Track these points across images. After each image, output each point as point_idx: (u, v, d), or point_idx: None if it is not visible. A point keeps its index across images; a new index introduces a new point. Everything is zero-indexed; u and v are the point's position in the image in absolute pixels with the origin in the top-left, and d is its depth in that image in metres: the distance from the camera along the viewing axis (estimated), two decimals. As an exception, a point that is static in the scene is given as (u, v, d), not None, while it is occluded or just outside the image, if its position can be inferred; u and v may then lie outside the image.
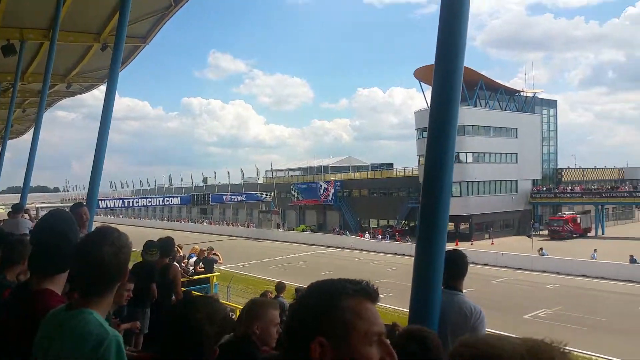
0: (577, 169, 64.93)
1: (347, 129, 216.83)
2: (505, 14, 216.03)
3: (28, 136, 20.62)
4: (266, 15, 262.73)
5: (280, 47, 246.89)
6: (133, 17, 8.64)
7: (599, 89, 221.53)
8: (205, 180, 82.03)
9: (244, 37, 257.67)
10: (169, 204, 71.02)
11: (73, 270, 1.98)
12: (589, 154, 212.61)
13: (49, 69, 10.03)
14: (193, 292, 9.79)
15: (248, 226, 67.02)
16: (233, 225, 69.95)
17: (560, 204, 55.63)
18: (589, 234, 49.69)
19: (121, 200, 64.12)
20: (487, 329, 3.41)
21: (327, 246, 48.52)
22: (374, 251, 44.54)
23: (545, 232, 50.30)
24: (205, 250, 14.14)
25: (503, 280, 30.83)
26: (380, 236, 50.24)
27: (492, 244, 45.30)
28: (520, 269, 33.97)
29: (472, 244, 44.18)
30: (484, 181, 51.62)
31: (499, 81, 56.29)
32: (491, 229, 51.10)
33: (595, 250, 34.63)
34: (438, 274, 3.11)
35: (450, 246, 3.73)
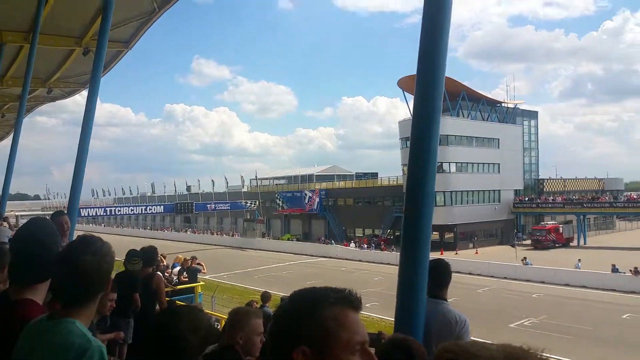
0: (558, 179, 65.85)
1: (332, 138, 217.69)
2: (487, 25, 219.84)
3: (7, 142, 20.27)
4: (251, 22, 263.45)
5: (265, 54, 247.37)
6: (116, 21, 8.59)
7: (578, 101, 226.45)
8: (188, 188, 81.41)
9: (229, 44, 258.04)
10: (152, 213, 70.39)
11: (55, 279, 1.95)
12: (570, 164, 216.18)
13: (29, 73, 9.88)
14: (177, 302, 9.68)
15: (233, 235, 66.57)
16: (217, 234, 69.38)
17: (543, 214, 56.41)
18: (571, 244, 50.28)
19: (103, 209, 63.22)
20: (472, 338, 3.42)
21: (312, 255, 48.36)
22: (360, 260, 44.48)
23: (528, 242, 50.79)
24: (189, 259, 14.00)
25: (488, 290, 30.99)
26: (365, 245, 50.23)
27: (477, 253, 45.64)
28: (504, 278, 34.16)
29: (456, 253, 44.49)
30: (467, 191, 52.10)
31: (481, 92, 57.10)
32: (475, 238, 51.47)
33: (579, 260, 34.99)
34: (422, 283, 3.12)
35: (435, 255, 3.75)
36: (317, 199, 61.85)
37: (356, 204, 60.48)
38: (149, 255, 6.60)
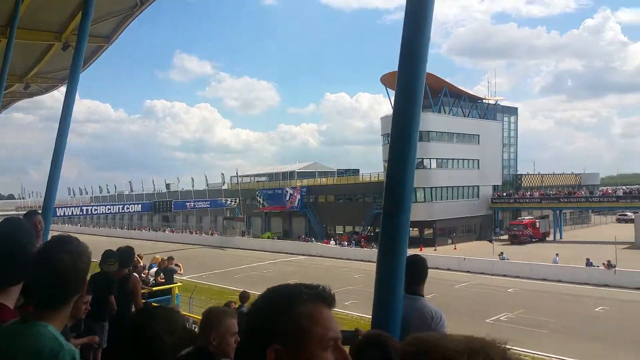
0: (536, 174, 67.05)
1: (314, 134, 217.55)
2: (470, 22, 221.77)
3: (-19, 139, 19.74)
4: (234, 18, 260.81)
5: (248, 50, 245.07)
6: (97, 16, 8.42)
7: (558, 97, 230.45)
8: (168, 186, 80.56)
9: (211, 39, 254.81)
10: (130, 212, 69.43)
11: (29, 280, 1.91)
12: (550, 159, 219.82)
13: (5, 68, 9.64)
14: (153, 303, 9.58)
15: (212, 234, 66.04)
16: (196, 233, 68.73)
17: (520, 209, 57.32)
18: (547, 238, 51.23)
19: (79, 208, 62.01)
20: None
21: (293, 254, 48.32)
22: (340, 258, 44.59)
23: (505, 237, 51.56)
24: (165, 259, 13.79)
25: (465, 285, 31.39)
26: (346, 243, 50.43)
27: (455, 249, 46.17)
28: (482, 273, 34.58)
29: (435, 249, 44.98)
30: (447, 187, 52.60)
31: (462, 88, 57.81)
32: (454, 234, 51.99)
33: (557, 254, 35.55)
34: (399, 280, 3.14)
35: (414, 252, 3.79)
36: (298, 196, 61.77)
37: (337, 200, 60.64)
38: (125, 255, 6.52)
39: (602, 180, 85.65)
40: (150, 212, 69.26)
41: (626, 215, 60.32)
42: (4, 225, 2.24)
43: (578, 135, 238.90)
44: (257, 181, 74.77)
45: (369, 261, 37.65)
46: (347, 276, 33.90)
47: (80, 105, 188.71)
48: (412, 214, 3.34)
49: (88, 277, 1.92)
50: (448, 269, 35.18)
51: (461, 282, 31.89)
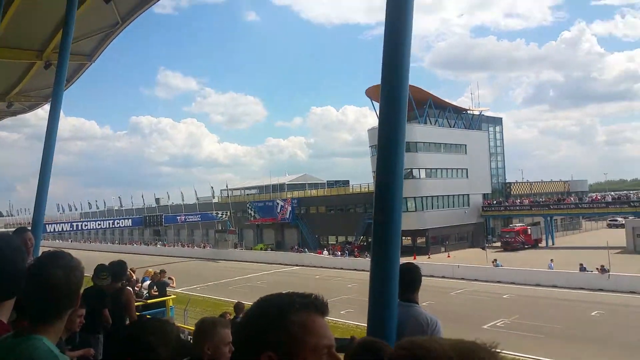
0: (524, 182, 67.49)
1: (302, 147, 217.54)
2: (451, 36, 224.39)
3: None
4: (217, 34, 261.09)
5: (232, 66, 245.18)
6: (78, 34, 8.42)
7: (540, 107, 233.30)
8: (157, 201, 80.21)
9: (195, 56, 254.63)
10: (120, 227, 68.88)
11: (23, 294, 1.90)
12: (535, 167, 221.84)
13: (-13, 87, 9.64)
14: (147, 316, 9.49)
15: (204, 247, 65.76)
16: (188, 247, 68.46)
17: (511, 216, 57.56)
18: (540, 245, 51.42)
19: (69, 224, 61.50)
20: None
21: (286, 264, 48.21)
22: (334, 268, 44.55)
23: (498, 244, 51.70)
24: (158, 272, 13.75)
25: (461, 292, 31.38)
26: (339, 253, 50.36)
27: (449, 256, 46.22)
28: (476, 280, 34.63)
29: (429, 257, 45.04)
30: (437, 196, 52.77)
31: (447, 100, 58.33)
32: (447, 242, 52.18)
33: (552, 260, 35.61)
34: (393, 288, 3.16)
35: (408, 260, 3.81)
36: (289, 208, 61.73)
37: (328, 211, 60.61)
38: (117, 269, 6.49)
39: (590, 187, 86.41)
40: (141, 227, 68.75)
41: (617, 220, 60.84)
42: None
43: (562, 144, 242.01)
44: (248, 194, 74.65)
45: (363, 270, 37.63)
46: (341, 286, 33.88)
47: (66, 124, 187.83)
48: (403, 223, 3.38)
49: (81, 291, 1.91)
50: (442, 277, 35.19)
51: (456, 290, 31.90)
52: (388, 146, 3.27)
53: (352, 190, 61.43)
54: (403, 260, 3.34)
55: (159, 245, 72.76)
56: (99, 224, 62.82)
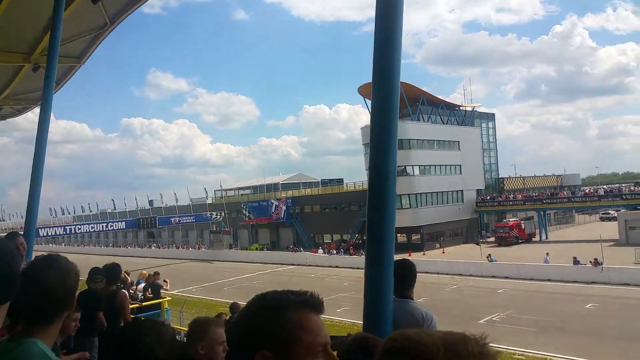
0: (517, 177, 67.89)
1: (296, 146, 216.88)
2: (442, 32, 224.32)
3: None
4: (207, 34, 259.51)
5: (223, 65, 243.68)
6: (66, 36, 8.36)
7: (533, 102, 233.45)
8: (151, 202, 79.86)
9: (185, 56, 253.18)
10: (114, 229, 68.65)
11: (17, 298, 1.89)
12: (528, 162, 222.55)
13: (-25, 91, 9.56)
14: (142, 318, 9.47)
15: (199, 248, 65.63)
16: (183, 248, 68.28)
17: (505, 212, 57.86)
18: (533, 239, 51.68)
19: (62, 228, 61.12)
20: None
21: (282, 264, 48.25)
22: (330, 266, 44.63)
23: (492, 239, 51.92)
24: (152, 275, 13.69)
25: (456, 288, 31.56)
26: (334, 251, 50.43)
27: (443, 252, 46.45)
28: (471, 275, 34.85)
29: (424, 254, 45.20)
30: (431, 192, 52.93)
31: (439, 96, 58.47)
32: (441, 238, 52.40)
33: (547, 254, 35.81)
34: (388, 285, 3.17)
35: (403, 257, 3.82)
36: (284, 208, 61.75)
37: (323, 210, 60.67)
38: (111, 272, 6.45)
39: (582, 180, 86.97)
40: (135, 229, 68.62)
41: (609, 213, 61.30)
42: None
43: (555, 138, 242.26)
44: (242, 194, 74.56)
45: (358, 268, 37.72)
46: (337, 284, 33.97)
47: (56, 127, 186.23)
48: (398, 220, 3.38)
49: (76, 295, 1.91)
50: (437, 273, 35.31)
51: (451, 285, 32.09)
52: (381, 144, 3.27)
53: (347, 189, 61.43)
54: (398, 257, 3.35)
55: (153, 248, 72.51)
56: (92, 227, 62.66)
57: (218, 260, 55.59)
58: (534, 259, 35.73)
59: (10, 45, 9.58)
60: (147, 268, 23.86)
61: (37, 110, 11.16)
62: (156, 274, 13.85)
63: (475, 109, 62.46)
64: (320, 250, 51.70)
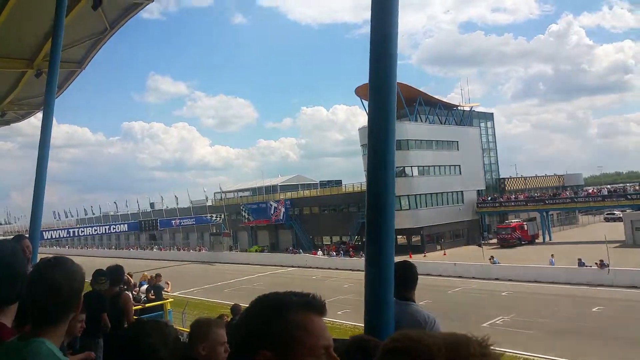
0: (519, 177, 67.38)
1: (294, 148, 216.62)
2: (438, 32, 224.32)
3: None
4: (205, 38, 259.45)
5: (222, 69, 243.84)
6: (67, 41, 8.41)
7: (530, 101, 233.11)
8: (152, 205, 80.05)
9: (184, 60, 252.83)
10: (116, 232, 68.76)
11: (25, 299, 1.93)
12: (528, 162, 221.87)
13: (-22, 97, 9.62)
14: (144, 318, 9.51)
15: (199, 250, 65.78)
16: (184, 250, 68.47)
17: (506, 213, 57.31)
18: (537, 240, 50.91)
19: (66, 230, 61.38)
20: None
21: (281, 266, 48.13)
22: (329, 268, 44.43)
23: (494, 241, 51.37)
24: (153, 277, 13.77)
25: (458, 290, 31.17)
26: (334, 253, 50.28)
27: (444, 254, 46.11)
28: (473, 278, 34.40)
29: (425, 256, 45.02)
30: (431, 193, 52.68)
31: (436, 96, 58.18)
32: (442, 240, 52.02)
33: (552, 255, 35.20)
34: (389, 287, 3.17)
35: (403, 259, 3.82)
36: (283, 209, 61.68)
37: (322, 212, 60.55)
38: (115, 274, 6.51)
39: (585, 180, 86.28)
40: (137, 231, 68.63)
41: (614, 214, 60.17)
42: None
43: (555, 137, 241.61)
44: (241, 196, 74.62)
45: (358, 270, 37.58)
46: (337, 286, 33.80)
47: (59, 131, 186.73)
48: (397, 222, 3.39)
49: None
50: (439, 275, 35.05)
51: (454, 288, 31.69)
52: (378, 144, 3.28)
53: (345, 190, 61.37)
54: (399, 259, 3.35)
55: (155, 250, 72.69)
56: (95, 230, 62.76)
57: (218, 262, 55.55)
58: (538, 261, 35.17)
59: (13, 51, 9.66)
60: (149, 270, 23.89)
61: (39, 115, 11.23)
62: (158, 275, 13.93)
63: (473, 109, 62.20)
64: (320, 252, 51.59)
